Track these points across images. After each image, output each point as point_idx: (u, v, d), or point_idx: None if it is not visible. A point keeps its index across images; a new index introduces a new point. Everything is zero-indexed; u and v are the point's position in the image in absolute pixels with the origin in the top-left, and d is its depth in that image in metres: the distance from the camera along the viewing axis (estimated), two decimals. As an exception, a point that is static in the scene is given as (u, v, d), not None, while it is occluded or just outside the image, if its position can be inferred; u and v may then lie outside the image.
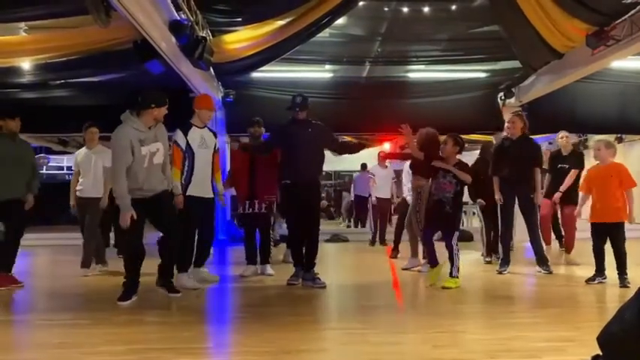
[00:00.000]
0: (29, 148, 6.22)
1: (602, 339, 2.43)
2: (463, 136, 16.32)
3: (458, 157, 5.78)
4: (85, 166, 6.69)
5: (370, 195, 10.63)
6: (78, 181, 6.71)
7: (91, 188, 6.62)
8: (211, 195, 5.79)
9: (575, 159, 7.29)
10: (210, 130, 5.89)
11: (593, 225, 5.60)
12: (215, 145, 5.85)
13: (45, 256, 9.17)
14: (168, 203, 5.12)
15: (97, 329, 4.01)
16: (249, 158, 6.41)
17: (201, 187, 5.62)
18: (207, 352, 3.56)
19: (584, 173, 6.68)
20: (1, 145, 5.73)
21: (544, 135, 14.52)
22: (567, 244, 7.31)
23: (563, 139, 7.40)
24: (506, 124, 6.80)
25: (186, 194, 5.50)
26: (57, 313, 4.58)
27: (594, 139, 15.01)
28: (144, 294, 5.57)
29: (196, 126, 5.69)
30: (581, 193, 6.01)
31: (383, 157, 10.41)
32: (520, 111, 7.12)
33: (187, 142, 5.56)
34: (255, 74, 10.13)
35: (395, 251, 8.08)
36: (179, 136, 5.57)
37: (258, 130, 6.57)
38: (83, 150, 6.87)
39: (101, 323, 4.19)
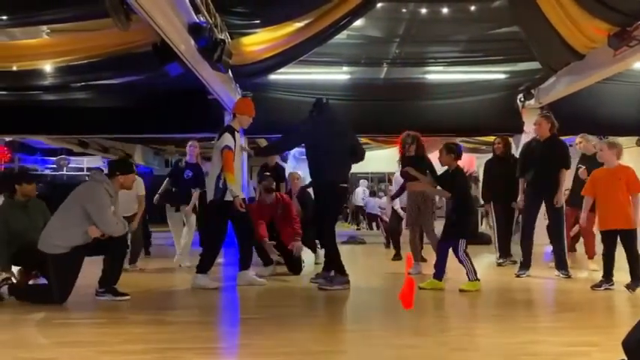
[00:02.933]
0: (40, 209, 5.64)
1: (628, 344, 2.39)
2: (482, 138, 16.20)
3: (458, 162, 5.73)
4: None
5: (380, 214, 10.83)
6: None
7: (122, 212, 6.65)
8: (243, 195, 5.84)
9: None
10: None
11: (602, 232, 5.45)
12: None
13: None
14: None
15: (115, 328, 4.04)
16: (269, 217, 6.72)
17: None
18: (226, 352, 3.56)
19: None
20: (13, 219, 5.38)
21: (564, 137, 14.35)
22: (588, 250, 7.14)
23: (581, 144, 7.16)
24: (533, 126, 6.68)
25: (224, 200, 5.47)
26: (74, 312, 4.62)
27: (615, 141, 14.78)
28: (161, 294, 5.62)
29: (236, 130, 5.73)
30: (585, 197, 5.62)
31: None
32: (547, 112, 7.01)
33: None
34: (273, 76, 10.16)
35: (397, 256, 8.26)
36: (229, 139, 5.53)
37: (272, 181, 6.88)
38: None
39: (118, 322, 4.23)
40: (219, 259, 8.06)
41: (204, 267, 5.63)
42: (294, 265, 6.70)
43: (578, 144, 7.19)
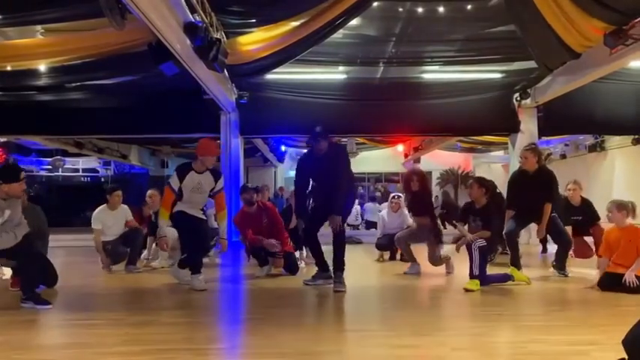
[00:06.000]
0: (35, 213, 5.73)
1: (628, 343, 2.38)
2: (478, 138, 16.13)
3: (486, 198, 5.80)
4: (110, 224, 7.02)
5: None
6: (100, 235, 6.97)
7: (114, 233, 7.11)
8: (202, 217, 5.95)
9: (587, 209, 7.00)
10: (213, 173, 5.79)
11: (607, 274, 5.34)
12: (215, 187, 5.81)
13: (60, 258, 9.21)
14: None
15: (112, 330, 4.01)
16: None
17: (189, 208, 5.71)
18: (223, 353, 3.54)
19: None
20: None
21: (560, 137, 14.37)
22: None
23: (572, 192, 7.00)
24: (519, 159, 6.65)
25: (175, 210, 5.67)
26: (72, 314, 4.58)
27: (611, 140, 14.84)
28: (157, 295, 5.60)
29: (195, 171, 5.68)
30: (600, 259, 5.50)
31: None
32: (532, 143, 6.99)
33: (180, 186, 5.61)
34: (269, 76, 10.15)
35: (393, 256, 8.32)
36: (174, 180, 5.61)
37: (252, 194, 6.80)
38: (105, 210, 7.06)
39: (116, 324, 4.20)
40: (217, 260, 8.05)
41: (195, 267, 5.68)
42: (291, 266, 6.70)
43: (571, 191, 7.02)
